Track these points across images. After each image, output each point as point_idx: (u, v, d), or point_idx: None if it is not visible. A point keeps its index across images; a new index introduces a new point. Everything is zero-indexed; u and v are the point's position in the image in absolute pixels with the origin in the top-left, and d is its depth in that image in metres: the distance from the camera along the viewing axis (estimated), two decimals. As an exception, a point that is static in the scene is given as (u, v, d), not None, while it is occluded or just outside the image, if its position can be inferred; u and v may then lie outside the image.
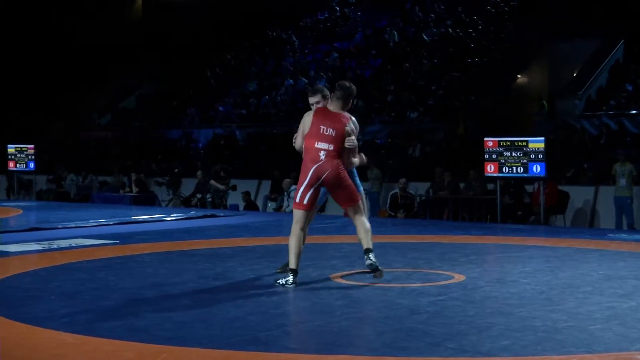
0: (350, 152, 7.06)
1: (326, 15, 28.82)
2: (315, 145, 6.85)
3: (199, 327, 5.33)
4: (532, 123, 21.17)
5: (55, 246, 9.82)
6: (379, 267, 6.98)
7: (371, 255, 6.90)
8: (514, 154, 13.42)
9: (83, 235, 11.01)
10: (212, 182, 18.56)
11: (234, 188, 18.68)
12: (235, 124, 24.67)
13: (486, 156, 13.72)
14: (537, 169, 13.24)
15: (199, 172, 19.24)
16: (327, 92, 7.22)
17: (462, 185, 16.68)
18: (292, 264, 6.86)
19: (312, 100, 7.21)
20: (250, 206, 18.07)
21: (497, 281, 7.11)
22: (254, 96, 26.01)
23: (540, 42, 23.26)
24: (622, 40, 21.98)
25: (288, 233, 6.97)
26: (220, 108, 26.25)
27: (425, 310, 5.83)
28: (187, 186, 19.87)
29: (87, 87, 30.58)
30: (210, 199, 18.49)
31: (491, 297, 6.34)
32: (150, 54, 30.06)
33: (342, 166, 6.91)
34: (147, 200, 18.98)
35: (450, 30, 24.13)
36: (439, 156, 18.96)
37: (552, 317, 5.54)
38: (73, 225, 12.50)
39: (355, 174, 7.40)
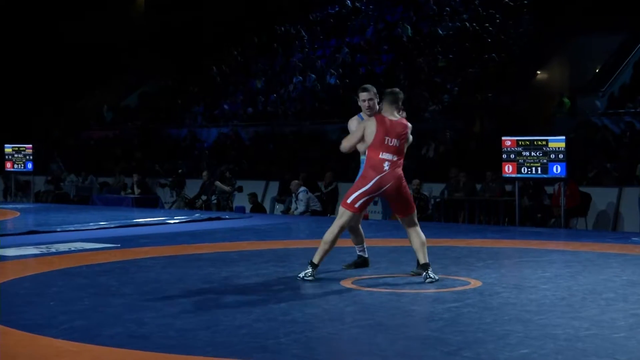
0: None
1: (337, 9, 28.61)
2: (380, 156, 7.02)
3: (204, 335, 5.27)
4: (552, 121, 20.87)
5: (54, 250, 9.75)
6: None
7: (430, 272, 7.06)
8: (533, 153, 13.25)
9: (83, 239, 10.92)
10: (218, 183, 18.37)
11: (240, 189, 18.52)
12: (238, 123, 24.45)
13: (504, 156, 13.56)
14: (557, 169, 13.05)
15: (204, 173, 19.03)
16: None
17: (478, 186, 16.51)
18: (316, 259, 7.17)
19: (364, 97, 7.40)
20: (257, 208, 17.92)
21: (515, 287, 7.03)
22: (261, 94, 25.84)
23: (561, 36, 22.93)
24: (648, 35, 21.66)
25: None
26: (226, 106, 26.07)
27: (441, 317, 5.78)
28: (192, 187, 19.67)
29: (89, 86, 30.44)
30: (215, 201, 18.32)
31: (509, 304, 6.28)
32: (153, 50, 29.95)
33: (403, 177, 7.14)
34: (149, 202, 18.89)
35: (466, 24, 23.90)
36: (455, 156, 18.77)
37: (573, 325, 5.45)
38: (72, 229, 12.40)
39: None
